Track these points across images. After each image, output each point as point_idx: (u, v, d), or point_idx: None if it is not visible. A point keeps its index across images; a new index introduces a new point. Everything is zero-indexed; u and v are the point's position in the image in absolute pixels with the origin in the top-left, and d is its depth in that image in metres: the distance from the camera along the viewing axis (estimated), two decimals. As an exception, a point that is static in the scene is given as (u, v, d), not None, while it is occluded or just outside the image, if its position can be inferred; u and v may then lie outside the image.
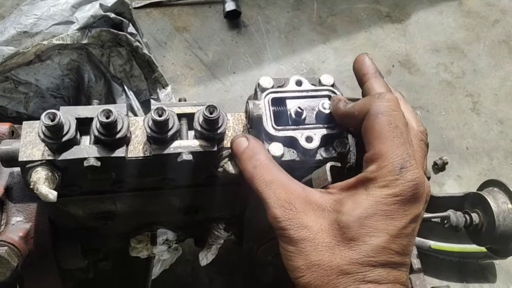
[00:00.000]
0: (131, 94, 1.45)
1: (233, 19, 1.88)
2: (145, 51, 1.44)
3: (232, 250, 1.11)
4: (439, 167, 1.53)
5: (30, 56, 1.22)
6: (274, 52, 1.83)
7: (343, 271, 0.55)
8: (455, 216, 0.94)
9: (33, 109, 1.32)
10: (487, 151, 1.65)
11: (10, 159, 0.79)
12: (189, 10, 1.91)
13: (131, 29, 1.42)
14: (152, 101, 1.46)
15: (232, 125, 0.80)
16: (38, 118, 0.75)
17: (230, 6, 1.84)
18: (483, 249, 1.18)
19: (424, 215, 0.94)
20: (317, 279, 0.56)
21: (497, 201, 0.94)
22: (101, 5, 1.33)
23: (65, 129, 0.72)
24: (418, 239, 1.26)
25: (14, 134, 0.94)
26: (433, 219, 0.96)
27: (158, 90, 1.48)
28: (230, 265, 1.31)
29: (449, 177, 1.53)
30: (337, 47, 1.89)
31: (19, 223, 0.85)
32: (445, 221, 0.94)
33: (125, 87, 1.46)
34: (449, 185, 1.55)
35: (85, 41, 1.30)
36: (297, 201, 0.62)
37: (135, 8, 1.80)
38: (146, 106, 1.48)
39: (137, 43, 1.42)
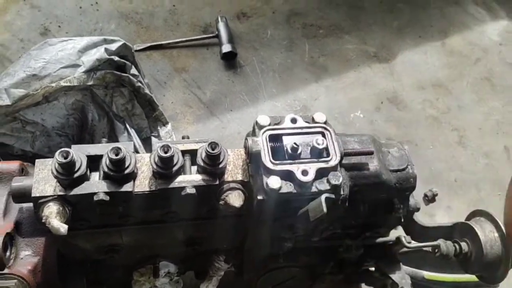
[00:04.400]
0: (132, 132, 1.51)
1: (230, 60, 1.99)
2: (147, 91, 1.52)
3: (233, 283, 1.13)
4: (429, 199, 1.59)
5: (39, 97, 1.28)
6: (269, 90, 1.92)
7: None
8: (445, 245, 0.98)
9: (39, 147, 1.37)
10: (475, 182, 1.71)
11: (21, 195, 0.84)
12: (188, 52, 2.01)
13: (133, 70, 1.50)
14: (153, 139, 1.52)
15: (232, 160, 0.86)
16: (43, 156, 0.81)
17: (226, 48, 1.95)
18: (475, 278, 1.21)
19: (416, 244, 0.98)
20: None
21: (484, 230, 0.98)
22: (106, 49, 1.41)
23: (77, 166, 0.77)
24: (411, 269, 1.29)
25: (23, 172, 0.98)
26: (424, 248, 1.00)
27: (158, 128, 1.54)
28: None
29: (439, 208, 1.58)
30: (329, 86, 1.99)
31: (27, 257, 0.88)
32: (436, 250, 0.98)
33: (127, 125, 1.52)
34: (439, 216, 1.60)
35: (90, 83, 1.37)
36: None
37: (136, 50, 1.89)
38: (147, 143, 1.54)
39: (139, 84, 1.50)
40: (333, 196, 0.75)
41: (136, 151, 1.48)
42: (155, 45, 2.01)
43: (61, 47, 1.37)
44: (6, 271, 0.83)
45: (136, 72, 1.52)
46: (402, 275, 1.01)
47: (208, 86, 1.90)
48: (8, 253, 0.85)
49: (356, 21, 2.23)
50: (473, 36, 2.26)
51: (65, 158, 0.75)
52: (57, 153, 0.75)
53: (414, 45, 2.17)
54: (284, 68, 2.01)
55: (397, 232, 1.03)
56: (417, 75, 2.06)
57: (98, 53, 1.40)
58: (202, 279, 1.06)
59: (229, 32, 2.02)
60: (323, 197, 0.73)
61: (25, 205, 0.91)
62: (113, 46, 1.45)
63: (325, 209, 0.72)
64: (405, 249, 1.04)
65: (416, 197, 1.00)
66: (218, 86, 1.91)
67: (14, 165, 0.96)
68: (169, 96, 1.85)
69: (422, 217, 1.10)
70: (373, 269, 1.10)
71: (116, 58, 1.45)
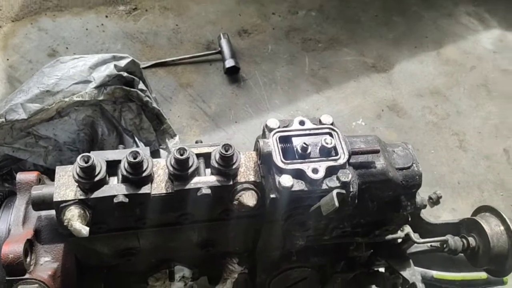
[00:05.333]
0: (141, 145, 1.55)
1: (233, 74, 2.04)
2: (155, 105, 1.56)
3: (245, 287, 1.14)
4: (434, 201, 1.60)
5: (52, 112, 1.33)
6: (272, 102, 1.97)
7: None
8: (453, 241, 1.00)
9: (51, 161, 1.40)
10: (477, 184, 1.75)
11: (40, 203, 0.87)
12: (192, 68, 2.07)
13: (141, 85, 1.55)
14: (162, 151, 1.56)
15: (244, 162, 0.89)
16: (55, 171, 0.84)
17: (229, 63, 2.01)
18: (483, 276, 1.23)
19: (424, 240, 1.01)
20: None
21: (490, 225, 1.01)
22: (115, 65, 1.47)
23: (97, 170, 0.81)
24: (420, 269, 1.31)
25: (40, 182, 1.02)
26: (433, 244, 1.02)
27: (166, 140, 1.58)
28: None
29: (444, 210, 1.61)
30: (330, 96, 2.04)
31: (47, 263, 0.90)
32: (444, 245, 1.00)
33: (136, 139, 1.56)
34: (445, 217, 1.63)
35: (101, 98, 1.42)
36: None
37: (142, 68, 1.95)
38: (155, 156, 1.57)
39: (147, 98, 1.54)
40: (343, 191, 0.78)
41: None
42: (160, 62, 2.07)
43: (72, 64, 1.42)
44: (27, 276, 0.85)
45: (144, 87, 1.57)
46: (412, 272, 1.03)
47: (212, 99, 1.95)
48: (28, 259, 0.88)
49: (353, 34, 2.31)
50: (467, 45, 2.33)
51: (86, 162, 0.78)
52: (78, 158, 0.79)
53: (411, 55, 2.24)
54: (286, 80, 2.07)
55: (405, 231, 1.05)
56: (415, 84, 2.12)
57: (108, 69, 1.45)
58: (215, 284, 1.07)
59: (231, 48, 2.09)
60: (334, 192, 0.76)
61: (43, 213, 0.94)
62: (122, 63, 1.50)
63: (337, 203, 0.75)
64: (414, 249, 1.06)
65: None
66: (222, 100, 1.96)
67: (32, 175, 1.00)
68: (175, 111, 1.90)
69: (428, 219, 1.13)
70: (383, 270, 1.12)
71: (125, 74, 1.50)
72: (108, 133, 1.53)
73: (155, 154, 1.60)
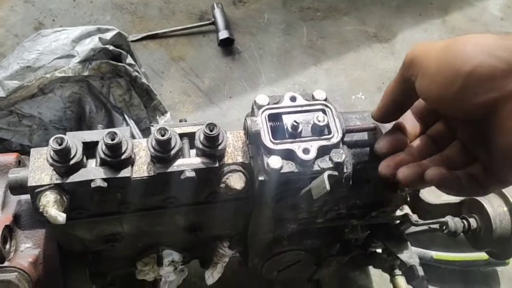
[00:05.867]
0: (131, 123, 1.49)
1: (227, 46, 1.96)
2: (144, 80, 1.49)
3: (238, 270, 1.12)
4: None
5: (34, 89, 1.26)
6: (268, 75, 1.90)
7: None
8: (453, 222, 0.96)
9: (36, 141, 1.35)
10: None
11: (18, 187, 0.82)
12: (184, 40, 1.99)
13: (129, 60, 1.48)
14: (152, 128, 1.50)
15: (232, 142, 0.84)
16: None
17: (223, 34, 1.92)
18: (484, 256, 1.19)
19: (423, 222, 0.96)
20: None
21: (492, 205, 0.96)
22: (100, 38, 1.39)
23: (72, 152, 0.75)
24: (419, 250, 1.27)
25: (20, 164, 0.97)
26: (432, 226, 0.98)
27: (157, 117, 1.52)
28: (236, 285, 1.31)
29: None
30: (328, 68, 1.95)
31: (28, 249, 0.86)
32: (444, 227, 0.96)
33: (126, 116, 1.50)
34: (447, 196, 1.58)
35: (86, 73, 1.35)
36: None
37: (132, 41, 1.87)
38: (146, 134, 1.52)
39: (136, 73, 1.47)
40: (336, 173, 0.73)
41: (136, 141, 1.47)
42: (151, 34, 1.98)
43: (54, 37, 1.35)
44: (6, 264, 0.82)
45: (132, 62, 1.50)
46: (410, 254, 0.99)
47: (206, 73, 1.88)
48: (7, 246, 0.84)
49: (354, 2, 2.19)
50: (474, 12, 2.22)
51: (60, 144, 0.72)
52: (51, 140, 0.73)
53: (414, 24, 2.13)
54: (283, 52, 1.98)
55: (403, 212, 1.01)
56: (419, 54, 2.02)
57: (92, 42, 1.38)
58: (207, 268, 1.04)
59: (226, 19, 1.99)
60: (325, 174, 0.71)
61: (23, 197, 0.90)
62: (108, 35, 1.42)
63: (328, 187, 0.70)
64: (412, 229, 1.02)
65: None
66: (216, 74, 1.88)
67: (10, 157, 0.95)
68: (167, 86, 1.83)
69: (429, 198, 1.08)
70: (380, 251, 1.09)
71: (111, 47, 1.42)
72: (96, 111, 1.47)
73: (146, 132, 1.55)
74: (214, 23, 1.99)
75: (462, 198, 1.03)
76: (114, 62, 1.42)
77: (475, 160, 0.64)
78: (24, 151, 1.36)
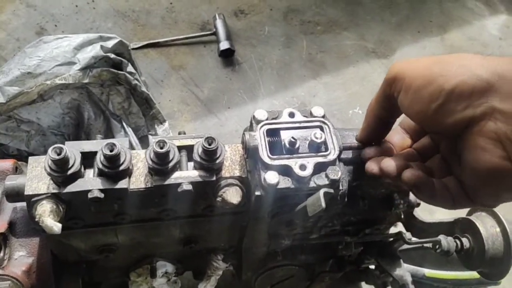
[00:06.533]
0: (129, 131, 1.49)
1: (227, 57, 1.97)
2: (144, 89, 1.50)
3: (232, 283, 1.11)
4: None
5: (34, 95, 1.27)
6: (267, 87, 1.91)
7: None
8: (446, 241, 0.96)
9: (34, 146, 1.35)
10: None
11: (15, 194, 0.82)
12: (185, 50, 2.00)
13: (130, 68, 1.49)
14: (150, 137, 1.50)
15: (230, 155, 0.84)
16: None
17: (224, 45, 1.94)
18: (476, 275, 1.19)
19: (416, 240, 0.97)
20: None
21: (485, 225, 0.97)
22: (102, 46, 1.40)
23: (71, 162, 0.75)
24: (412, 267, 1.28)
25: (17, 170, 0.97)
26: (425, 245, 0.99)
27: (156, 126, 1.53)
28: (228, 298, 1.31)
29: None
30: (327, 82, 1.97)
31: (22, 257, 0.86)
32: (437, 246, 0.96)
33: (124, 124, 1.50)
34: (440, 213, 1.58)
35: (86, 81, 1.36)
36: None
37: (133, 49, 1.88)
38: (144, 142, 1.52)
39: (136, 82, 1.48)
40: (331, 190, 0.74)
41: (133, 149, 1.47)
42: (152, 43, 2.00)
43: (56, 44, 1.36)
44: (0, 272, 0.82)
45: (132, 70, 1.51)
46: (403, 272, 0.99)
47: (205, 83, 1.89)
48: (1, 254, 0.84)
49: (354, 17, 2.22)
50: (472, 31, 2.25)
51: (59, 154, 0.73)
52: (50, 149, 0.74)
53: (413, 41, 2.16)
54: (282, 65, 2.00)
55: (397, 229, 1.02)
56: (416, 71, 2.04)
57: (94, 50, 1.39)
58: (201, 279, 1.04)
59: (227, 29, 2.01)
60: (321, 191, 0.71)
61: (19, 204, 0.90)
62: (109, 44, 1.43)
63: (323, 204, 0.70)
64: (405, 246, 1.02)
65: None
66: (216, 84, 1.89)
67: (7, 163, 0.95)
68: (166, 94, 1.84)
69: (422, 214, 1.09)
70: (373, 267, 1.09)
71: (112, 56, 1.43)
72: (95, 117, 1.47)
73: (144, 140, 1.55)
74: (215, 33, 2.01)
75: (455, 217, 1.04)
76: (115, 70, 1.43)
77: (452, 174, 0.65)
78: (21, 156, 1.36)
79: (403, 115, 0.73)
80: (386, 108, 0.69)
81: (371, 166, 0.74)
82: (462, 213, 1.08)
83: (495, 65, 0.54)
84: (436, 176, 0.66)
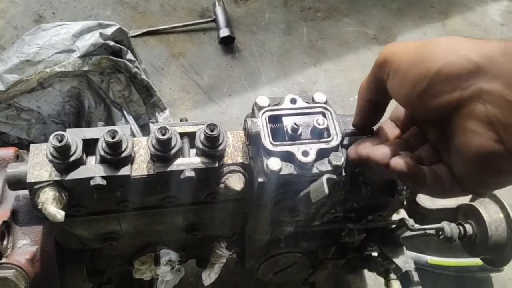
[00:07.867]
0: (130, 119, 1.49)
1: (227, 44, 1.95)
2: (144, 76, 1.49)
3: (235, 271, 1.12)
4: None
5: (33, 83, 1.26)
6: (268, 75, 1.89)
7: None
8: (449, 228, 0.96)
9: (35, 135, 1.35)
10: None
11: (17, 182, 0.81)
12: (185, 37, 1.98)
13: (129, 56, 1.47)
14: (151, 125, 1.50)
15: (232, 142, 0.84)
16: None
17: (224, 32, 1.91)
18: (479, 262, 1.20)
19: (419, 227, 0.97)
20: None
21: (488, 211, 0.97)
22: (101, 33, 1.38)
23: (72, 149, 0.75)
24: (414, 254, 1.28)
25: (19, 158, 0.97)
26: (428, 231, 0.99)
27: (156, 114, 1.52)
28: (233, 286, 1.31)
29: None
30: (328, 69, 1.96)
31: (25, 246, 0.86)
32: (440, 233, 0.97)
33: (124, 112, 1.49)
34: (442, 200, 1.59)
35: (85, 68, 1.34)
36: None
37: (132, 36, 1.86)
38: (145, 130, 1.52)
39: (136, 69, 1.47)
40: (334, 176, 0.73)
41: (134, 137, 1.46)
42: (151, 30, 1.97)
43: (55, 32, 1.34)
44: (3, 260, 0.82)
45: (132, 58, 1.49)
46: (405, 259, 0.99)
47: (206, 71, 1.87)
48: (5, 242, 0.84)
49: (355, 3, 2.20)
50: (474, 17, 2.22)
51: (60, 141, 0.72)
52: (51, 136, 0.73)
53: (414, 27, 2.14)
54: (283, 51, 1.98)
55: (400, 216, 1.02)
56: (418, 57, 2.02)
57: (93, 37, 1.37)
58: (204, 267, 1.05)
59: (227, 17, 1.99)
60: (324, 177, 0.71)
61: (21, 192, 0.89)
62: (108, 31, 1.42)
63: (326, 190, 0.70)
64: (408, 233, 1.02)
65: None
66: (216, 71, 1.88)
67: (9, 151, 0.94)
68: (167, 82, 1.82)
69: (425, 202, 1.09)
70: (376, 254, 1.09)
71: (112, 43, 1.42)
72: (95, 106, 1.46)
73: (145, 128, 1.54)
74: (215, 20, 1.99)
75: (458, 203, 1.04)
76: (114, 58, 1.42)
77: (442, 161, 0.64)
78: (21, 144, 1.36)
79: (394, 108, 0.72)
80: (377, 92, 0.68)
81: (351, 151, 0.74)
82: (465, 199, 1.08)
83: (485, 47, 0.53)
84: (426, 165, 0.65)
